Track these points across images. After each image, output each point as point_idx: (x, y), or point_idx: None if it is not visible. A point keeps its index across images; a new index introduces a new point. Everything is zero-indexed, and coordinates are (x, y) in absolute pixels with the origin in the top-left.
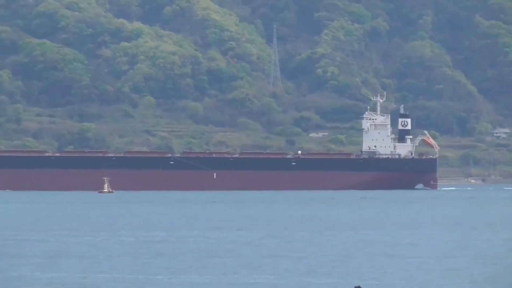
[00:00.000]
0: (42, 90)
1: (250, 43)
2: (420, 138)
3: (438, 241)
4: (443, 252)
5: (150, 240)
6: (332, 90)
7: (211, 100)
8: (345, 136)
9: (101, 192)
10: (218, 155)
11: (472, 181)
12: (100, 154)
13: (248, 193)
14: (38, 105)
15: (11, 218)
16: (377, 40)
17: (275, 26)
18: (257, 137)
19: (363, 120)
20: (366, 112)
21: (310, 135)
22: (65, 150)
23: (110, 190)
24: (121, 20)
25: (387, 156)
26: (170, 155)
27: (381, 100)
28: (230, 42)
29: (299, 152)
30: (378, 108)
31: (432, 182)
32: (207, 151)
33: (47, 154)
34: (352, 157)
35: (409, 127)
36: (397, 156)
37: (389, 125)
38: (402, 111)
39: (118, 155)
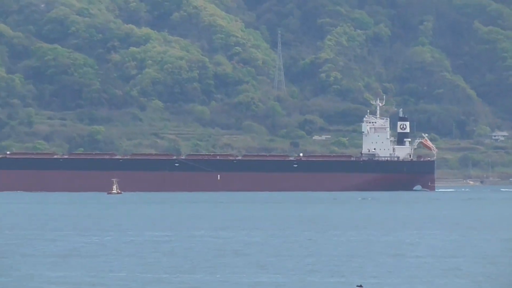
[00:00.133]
0: (53, 93)
1: (255, 48)
2: (419, 140)
3: (438, 241)
4: (443, 252)
5: (158, 240)
6: (335, 94)
7: (218, 104)
8: (347, 138)
9: (110, 193)
10: (221, 157)
11: (471, 182)
12: (107, 157)
13: (251, 194)
14: (49, 108)
15: (22, 218)
16: (379, 46)
17: (279, 31)
18: (262, 140)
19: (363, 123)
20: (366, 116)
21: (313, 137)
22: (73, 152)
23: (119, 191)
24: (130, 25)
25: (386, 158)
26: (175, 157)
27: (380, 104)
28: (236, 47)
29: (301, 154)
30: (378, 112)
31: (430, 184)
32: (212, 153)
33: (55, 156)
34: (352, 159)
35: (407, 130)
36: (396, 158)
37: (389, 128)
38: (401, 115)
39: (125, 157)
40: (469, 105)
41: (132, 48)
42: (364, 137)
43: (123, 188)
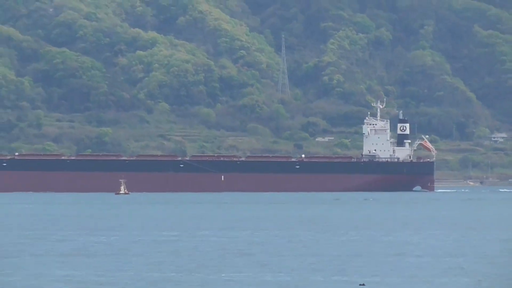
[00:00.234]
0: (62, 96)
1: (260, 52)
2: (418, 142)
3: (438, 241)
4: (443, 252)
5: (164, 239)
6: (338, 97)
7: (223, 106)
8: (349, 140)
9: (117, 193)
10: (225, 159)
11: (471, 183)
12: (114, 158)
13: (255, 195)
14: (58, 110)
15: (31, 218)
16: (381, 49)
17: (283, 35)
18: (266, 142)
19: (364, 125)
20: (367, 118)
21: (316, 139)
22: (80, 154)
23: (126, 192)
24: (137, 29)
25: (386, 159)
26: (180, 158)
27: (381, 106)
28: (241, 51)
29: (303, 155)
30: (378, 114)
31: (429, 184)
32: (216, 154)
33: (63, 158)
34: (353, 161)
35: (407, 131)
36: (396, 160)
37: (389, 130)
38: (401, 117)
39: (131, 158)
40: (469, 108)
41: (139, 52)
42: (364, 138)
43: (129, 188)
